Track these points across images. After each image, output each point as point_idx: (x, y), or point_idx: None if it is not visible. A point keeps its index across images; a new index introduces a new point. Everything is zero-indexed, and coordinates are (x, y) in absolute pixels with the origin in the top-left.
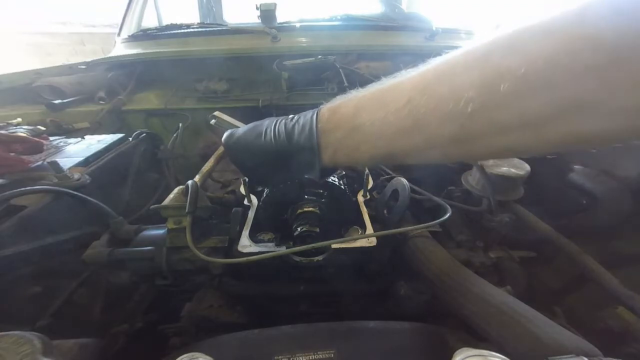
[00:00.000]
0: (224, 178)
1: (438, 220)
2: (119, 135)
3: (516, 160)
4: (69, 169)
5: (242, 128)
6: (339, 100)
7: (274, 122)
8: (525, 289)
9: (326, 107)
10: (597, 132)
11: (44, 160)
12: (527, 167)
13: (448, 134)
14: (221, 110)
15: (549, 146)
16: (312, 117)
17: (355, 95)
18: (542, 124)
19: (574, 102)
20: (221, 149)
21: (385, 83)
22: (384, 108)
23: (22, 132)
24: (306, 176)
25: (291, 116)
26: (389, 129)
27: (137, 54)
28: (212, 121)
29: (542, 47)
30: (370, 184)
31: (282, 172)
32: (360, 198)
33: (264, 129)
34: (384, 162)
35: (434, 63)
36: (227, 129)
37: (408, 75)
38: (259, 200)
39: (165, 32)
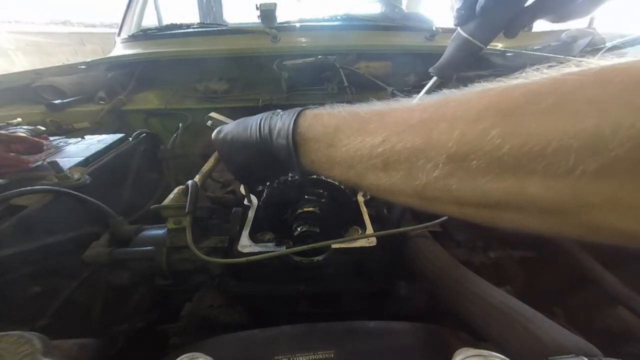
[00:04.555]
0: (224, 178)
1: (438, 220)
2: (119, 135)
3: None
4: (69, 169)
5: (231, 123)
6: (326, 110)
7: (262, 117)
8: (525, 289)
9: (312, 112)
10: (563, 235)
11: (44, 160)
12: None
13: (412, 188)
14: (221, 110)
15: (506, 227)
16: (291, 118)
17: (341, 110)
18: (499, 211)
19: (544, 206)
20: None
21: (373, 107)
22: (360, 138)
23: (22, 132)
24: (290, 173)
25: (278, 111)
26: (360, 163)
27: (137, 54)
28: (209, 122)
29: (544, 127)
30: None
31: (266, 167)
32: (360, 198)
33: (251, 124)
34: (357, 190)
35: (428, 102)
36: None
37: (396, 107)
38: (259, 200)
39: (165, 32)
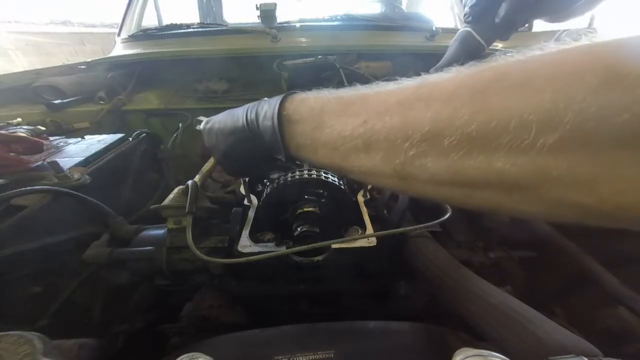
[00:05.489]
0: (224, 178)
1: (438, 220)
2: (119, 135)
3: None
4: (69, 169)
5: (220, 114)
6: (313, 94)
7: (250, 104)
8: (525, 289)
9: (299, 95)
10: (528, 214)
11: (44, 160)
12: None
13: (391, 168)
14: (221, 110)
15: (480, 209)
16: (277, 101)
17: (327, 94)
18: (471, 190)
19: (509, 182)
20: None
21: (357, 90)
22: (344, 120)
23: (22, 132)
24: (275, 156)
25: (265, 98)
26: (343, 143)
27: (137, 54)
28: (198, 126)
29: (508, 104)
30: None
31: (252, 153)
32: (360, 198)
33: (238, 111)
34: (340, 175)
35: (408, 84)
36: None
37: (379, 90)
38: (259, 200)
39: (165, 32)
